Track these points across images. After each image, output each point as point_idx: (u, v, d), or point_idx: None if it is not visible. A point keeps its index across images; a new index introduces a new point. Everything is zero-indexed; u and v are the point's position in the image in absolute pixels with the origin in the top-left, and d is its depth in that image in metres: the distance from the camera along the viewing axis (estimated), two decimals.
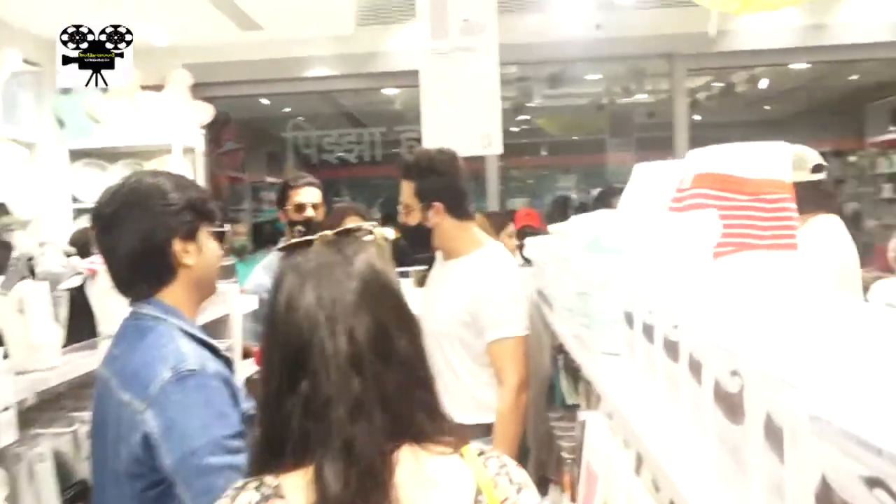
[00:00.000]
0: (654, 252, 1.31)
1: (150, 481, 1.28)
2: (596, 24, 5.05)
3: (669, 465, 0.87)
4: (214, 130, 5.68)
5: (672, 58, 5.44)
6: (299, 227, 2.97)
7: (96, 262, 1.72)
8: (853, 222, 5.44)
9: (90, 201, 1.46)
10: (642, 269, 1.21)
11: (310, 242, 1.03)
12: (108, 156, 4.59)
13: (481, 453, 0.99)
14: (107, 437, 1.35)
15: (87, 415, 1.62)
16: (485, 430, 2.13)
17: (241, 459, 1.19)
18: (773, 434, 0.58)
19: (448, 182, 2.25)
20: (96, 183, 4.33)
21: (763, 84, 7.44)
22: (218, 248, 1.51)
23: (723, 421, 0.72)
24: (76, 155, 4.55)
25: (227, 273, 2.75)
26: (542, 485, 2.04)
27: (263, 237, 6.76)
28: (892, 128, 8.24)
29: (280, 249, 1.10)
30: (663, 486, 0.94)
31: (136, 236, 1.39)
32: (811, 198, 2.24)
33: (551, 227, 2.06)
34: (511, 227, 4.02)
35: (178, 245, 1.42)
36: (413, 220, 2.28)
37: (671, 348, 0.93)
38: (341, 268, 0.97)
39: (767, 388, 0.59)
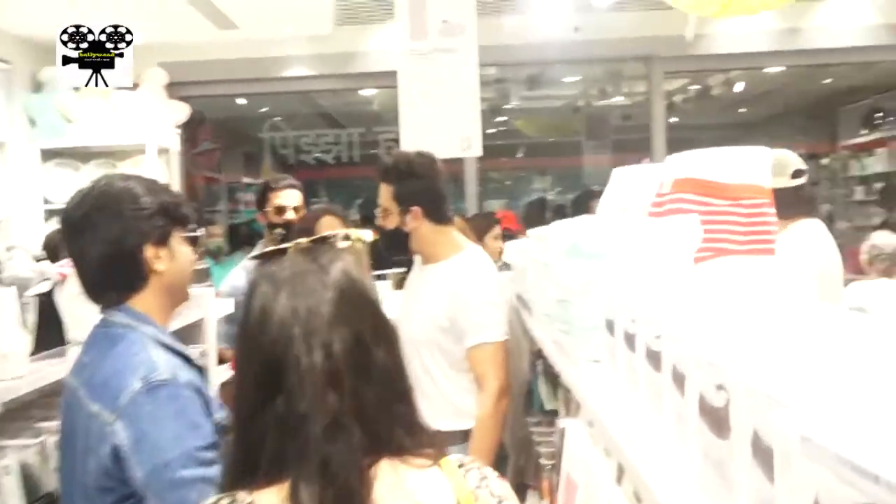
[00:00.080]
0: (636, 258, 1.30)
1: (119, 495, 1.24)
2: (574, 26, 5.07)
3: (651, 476, 0.85)
4: (190, 130, 5.61)
5: (650, 60, 5.48)
6: (279, 230, 2.94)
7: (67, 266, 1.68)
8: (826, 225, 5.49)
9: (62, 202, 1.42)
10: (623, 276, 1.20)
11: (284, 251, 1.00)
12: (81, 156, 4.51)
13: (461, 465, 0.97)
14: (75, 449, 1.31)
15: (55, 425, 1.57)
16: (463, 437, 2.11)
17: (215, 471, 1.16)
18: (762, 452, 0.56)
19: (427, 186, 2.23)
20: (68, 184, 4.26)
21: (739, 87, 7.52)
22: (191, 253, 1.47)
23: (707, 434, 0.71)
24: (48, 155, 4.47)
25: (202, 276, 2.71)
26: (521, 491, 2.03)
27: (240, 239, 6.69)
28: (863, 131, 8.37)
29: (253, 258, 1.07)
30: (645, 497, 0.93)
31: (106, 241, 1.36)
32: (792, 202, 2.26)
33: (531, 232, 2.05)
34: (497, 230, 4.03)
35: (149, 251, 1.38)
36: (391, 223, 2.26)
37: (653, 358, 0.91)
38: (316, 277, 0.95)
39: (755, 405, 0.58)
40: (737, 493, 0.64)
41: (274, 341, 0.90)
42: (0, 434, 1.64)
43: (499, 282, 2.28)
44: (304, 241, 1.02)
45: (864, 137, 8.36)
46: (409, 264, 2.56)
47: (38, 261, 1.84)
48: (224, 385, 2.43)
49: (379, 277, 3.20)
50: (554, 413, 1.92)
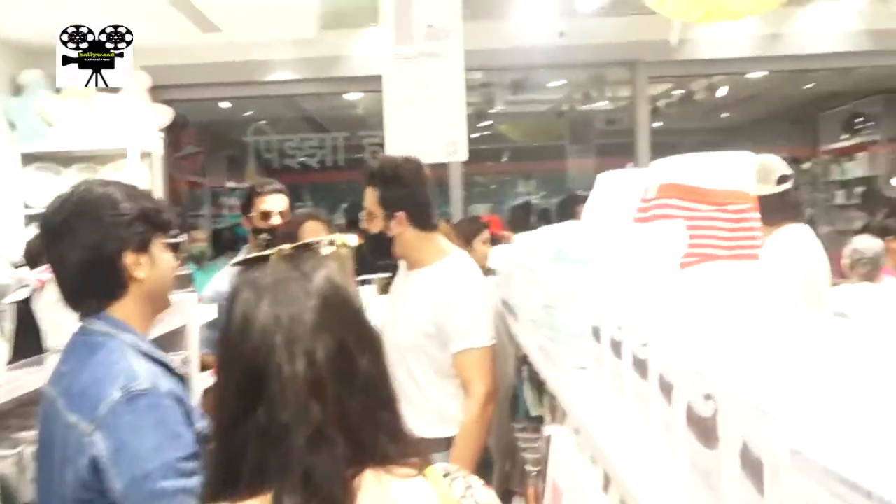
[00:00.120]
0: (621, 264, 1.30)
1: None
2: (559, 31, 5.08)
3: (638, 485, 0.85)
4: (173, 134, 5.57)
5: (634, 65, 5.51)
6: (264, 235, 2.91)
7: (46, 273, 1.65)
8: None
9: (42, 207, 1.40)
10: (609, 282, 1.19)
11: (266, 258, 0.99)
12: (62, 160, 4.46)
13: (447, 474, 0.96)
14: (53, 460, 1.28)
15: (33, 435, 1.54)
16: (447, 444, 2.09)
17: (195, 482, 1.14)
18: (751, 464, 0.56)
19: (412, 192, 2.22)
20: (49, 188, 4.21)
21: (722, 92, 7.58)
22: (172, 260, 1.45)
23: (695, 444, 0.70)
24: (28, 159, 4.42)
25: (185, 282, 2.68)
26: (507, 497, 2.02)
27: (223, 243, 6.64)
28: (844, 136, 8.47)
29: (235, 265, 1.06)
30: None
31: (86, 247, 1.33)
32: (778, 207, 2.26)
33: (517, 237, 2.04)
34: (486, 234, 4.04)
35: (129, 257, 1.36)
36: (375, 227, 2.24)
37: (640, 366, 0.91)
38: (299, 284, 0.93)
39: (744, 416, 0.57)
40: None
41: (256, 349, 0.89)
42: None
43: (485, 287, 2.27)
44: (287, 247, 1.00)
45: (845, 142, 8.46)
46: (394, 269, 2.54)
47: (16, 267, 1.81)
48: (207, 392, 2.40)
49: (364, 282, 3.19)
50: (539, 419, 1.91)
